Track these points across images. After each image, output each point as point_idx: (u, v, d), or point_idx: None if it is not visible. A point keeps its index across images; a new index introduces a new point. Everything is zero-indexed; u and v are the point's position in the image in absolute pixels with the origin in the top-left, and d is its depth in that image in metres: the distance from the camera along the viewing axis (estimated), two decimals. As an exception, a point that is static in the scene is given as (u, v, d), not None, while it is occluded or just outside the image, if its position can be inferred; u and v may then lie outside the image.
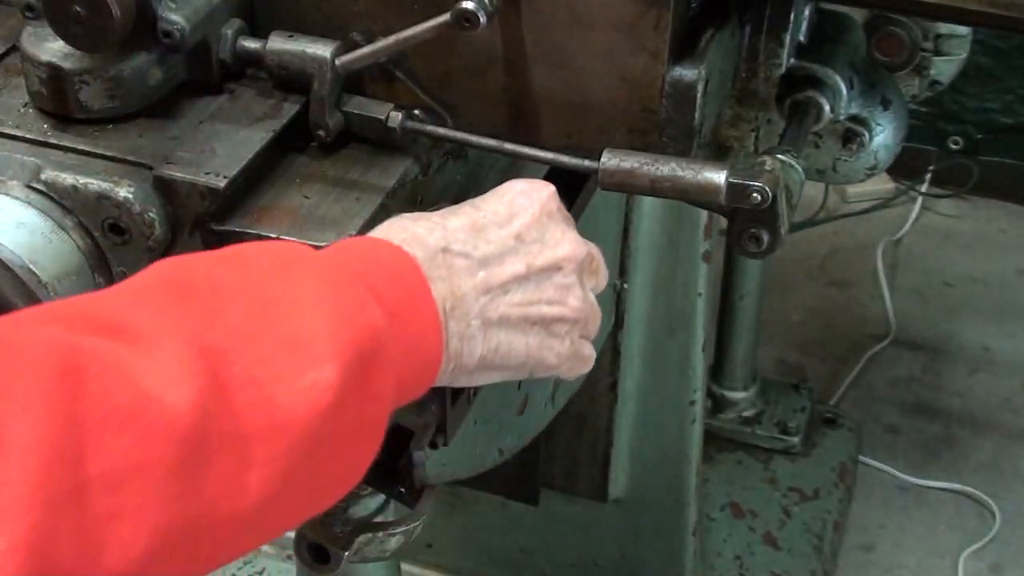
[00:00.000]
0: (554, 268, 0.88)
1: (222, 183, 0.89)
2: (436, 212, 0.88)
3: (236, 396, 0.69)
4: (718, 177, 0.91)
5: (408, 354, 0.79)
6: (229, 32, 0.98)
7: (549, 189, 0.91)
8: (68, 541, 0.61)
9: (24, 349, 0.64)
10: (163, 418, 0.65)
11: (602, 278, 0.94)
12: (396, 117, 0.97)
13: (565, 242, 0.89)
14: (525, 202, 0.89)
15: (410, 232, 0.84)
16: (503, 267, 0.86)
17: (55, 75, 0.93)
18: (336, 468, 0.76)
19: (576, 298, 0.89)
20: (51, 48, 0.93)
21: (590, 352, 0.94)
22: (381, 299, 0.78)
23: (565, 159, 0.95)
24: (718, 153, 1.22)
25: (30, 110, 0.96)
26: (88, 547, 0.63)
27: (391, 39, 0.95)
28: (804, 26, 1.17)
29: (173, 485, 0.65)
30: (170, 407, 0.65)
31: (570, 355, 0.90)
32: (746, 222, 0.96)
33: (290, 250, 0.79)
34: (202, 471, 0.66)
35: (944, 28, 1.36)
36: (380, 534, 0.99)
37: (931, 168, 2.82)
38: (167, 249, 0.91)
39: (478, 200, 0.89)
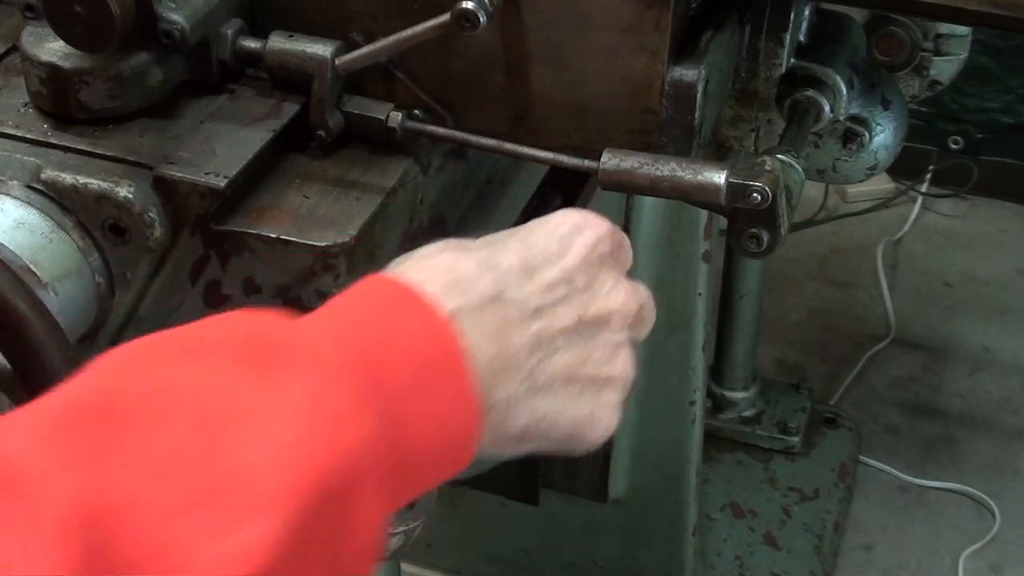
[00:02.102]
0: (604, 322, 0.75)
1: (222, 183, 0.89)
2: (481, 244, 0.74)
3: (129, 572, 0.55)
4: (718, 177, 0.91)
5: (419, 456, 0.65)
6: (229, 32, 0.98)
7: (604, 227, 0.77)
8: None
9: None
10: None
11: (648, 326, 0.81)
12: (396, 117, 0.97)
13: (618, 290, 0.76)
14: (578, 240, 0.76)
15: (453, 275, 0.71)
16: (556, 318, 0.73)
17: (55, 75, 0.93)
18: None
19: (625, 359, 0.77)
20: (51, 48, 0.93)
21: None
22: (382, 392, 0.64)
23: (565, 159, 0.95)
24: (718, 153, 1.22)
25: (30, 110, 0.96)
26: None
27: (391, 39, 0.95)
28: (804, 26, 1.17)
29: None
30: None
31: (613, 427, 0.77)
32: (746, 222, 0.96)
33: (269, 334, 0.63)
34: None
35: (944, 28, 1.36)
36: (380, 534, 0.99)
37: (931, 168, 2.82)
38: (167, 249, 0.91)
39: (525, 232, 0.76)
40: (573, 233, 0.76)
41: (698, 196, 0.93)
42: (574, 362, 0.74)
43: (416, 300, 0.69)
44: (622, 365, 0.77)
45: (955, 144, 2.81)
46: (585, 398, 0.75)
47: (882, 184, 2.81)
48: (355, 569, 0.64)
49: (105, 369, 0.61)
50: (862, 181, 1.32)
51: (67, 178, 0.89)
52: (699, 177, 0.92)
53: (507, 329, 0.71)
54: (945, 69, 1.39)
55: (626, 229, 1.55)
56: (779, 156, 1.06)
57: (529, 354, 0.71)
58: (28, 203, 0.89)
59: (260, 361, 0.61)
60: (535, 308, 0.72)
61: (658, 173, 0.92)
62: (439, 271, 0.71)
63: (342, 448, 0.60)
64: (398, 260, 0.74)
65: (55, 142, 0.93)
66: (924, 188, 2.84)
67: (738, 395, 2.22)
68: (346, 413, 0.61)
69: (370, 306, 0.69)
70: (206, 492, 0.57)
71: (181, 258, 0.92)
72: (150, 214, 0.89)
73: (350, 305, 0.69)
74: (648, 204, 1.56)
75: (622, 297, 0.76)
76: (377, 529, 0.64)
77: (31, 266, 0.87)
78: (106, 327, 0.94)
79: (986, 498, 2.21)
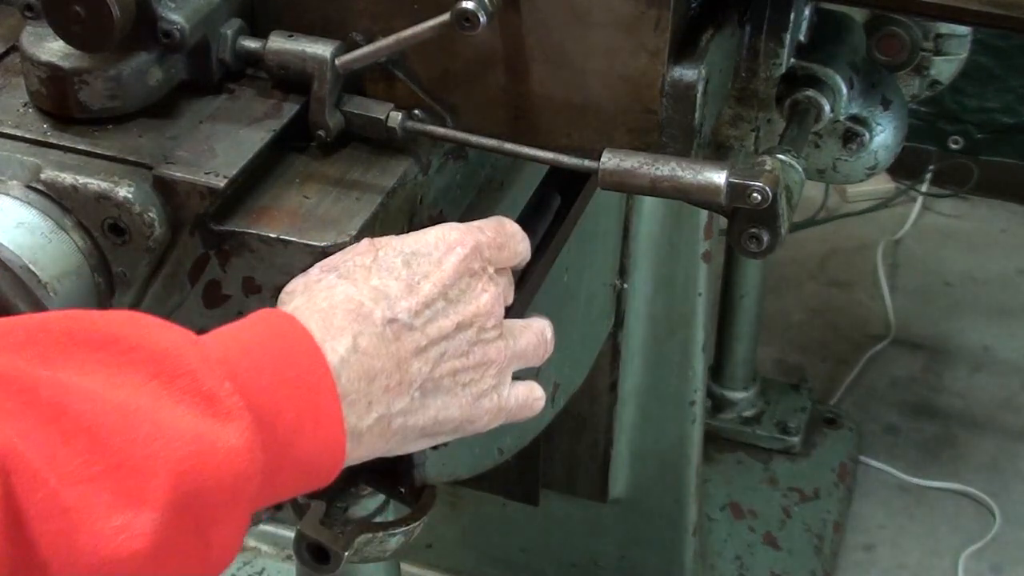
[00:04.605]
0: (475, 322, 0.87)
1: (222, 183, 0.89)
2: (365, 269, 0.85)
3: (33, 524, 0.64)
4: (718, 177, 0.91)
5: (288, 466, 0.76)
6: (229, 32, 0.98)
7: (473, 242, 0.88)
8: None
9: None
10: None
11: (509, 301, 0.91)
12: (396, 117, 0.97)
13: (485, 294, 0.88)
14: (452, 258, 0.87)
15: (355, 303, 0.82)
16: (438, 329, 0.85)
17: (55, 75, 0.93)
18: None
19: (496, 345, 0.88)
20: (51, 48, 0.93)
21: (525, 396, 0.92)
22: (262, 412, 0.73)
23: (565, 159, 0.95)
24: (718, 153, 1.22)
25: (30, 110, 0.96)
26: None
27: (391, 39, 0.95)
28: (804, 26, 1.17)
29: None
30: None
31: (498, 410, 0.89)
32: (746, 222, 0.96)
33: (175, 353, 0.72)
34: None
35: (944, 28, 1.36)
36: (380, 534, 0.99)
37: (931, 168, 2.82)
38: (167, 249, 0.91)
39: (408, 253, 0.86)
40: (447, 252, 0.87)
41: (698, 196, 0.93)
42: (457, 362, 0.86)
43: (301, 333, 0.79)
44: (495, 351, 0.88)
45: (955, 144, 2.81)
46: (468, 388, 0.87)
47: (882, 184, 2.81)
48: (221, 558, 0.73)
49: (32, 339, 0.70)
50: (862, 181, 1.32)
51: (67, 178, 0.89)
52: (699, 177, 0.92)
53: (403, 349, 0.83)
54: (945, 69, 1.39)
55: (626, 229, 1.55)
56: (779, 156, 1.06)
57: (421, 367, 0.84)
58: (28, 203, 0.89)
59: (166, 375, 0.71)
60: (422, 325, 0.84)
61: (658, 173, 0.92)
62: (340, 301, 0.82)
63: (219, 458, 0.70)
64: (295, 286, 0.85)
65: (55, 142, 0.93)
66: (924, 188, 2.84)
67: (738, 395, 2.22)
68: (226, 427, 0.71)
69: (261, 336, 0.79)
70: (106, 470, 0.66)
71: (181, 258, 0.92)
72: (150, 214, 0.89)
73: (243, 333, 0.78)
74: (648, 204, 1.56)
75: (488, 299, 0.88)
76: (242, 527, 0.74)
77: (31, 266, 0.87)
78: (106, 327, 0.94)
79: (986, 498, 2.21)
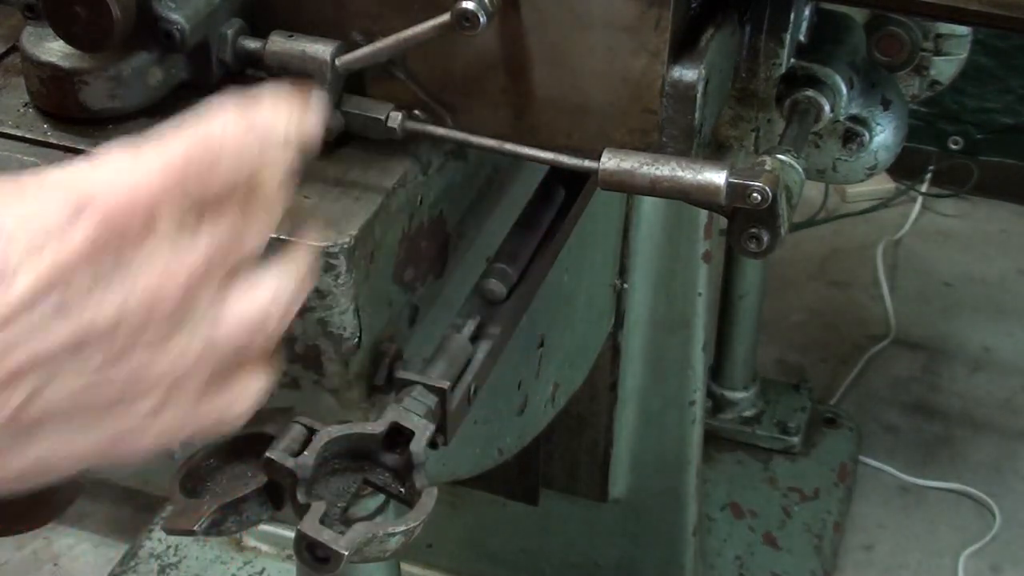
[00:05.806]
0: (116, 327, 0.57)
1: (222, 183, 0.89)
2: None
3: None
4: (718, 177, 0.91)
5: None
6: (229, 32, 0.98)
7: (108, 204, 0.56)
8: None
9: None
10: None
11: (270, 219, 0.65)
12: (396, 117, 0.97)
13: (145, 273, 0.57)
14: (82, 223, 0.56)
15: None
16: (41, 343, 0.55)
17: (55, 75, 0.93)
18: None
19: (168, 357, 0.59)
20: (51, 48, 0.93)
21: (220, 409, 0.63)
22: None
23: (565, 159, 0.95)
24: (718, 153, 1.22)
25: (30, 110, 0.96)
26: None
27: (391, 39, 0.95)
28: (804, 26, 1.17)
29: None
30: None
31: (168, 433, 0.61)
32: (746, 222, 0.96)
33: None
34: None
35: (944, 28, 1.36)
36: (380, 534, 0.99)
37: (931, 168, 2.82)
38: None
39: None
40: (74, 214, 0.55)
41: (698, 196, 0.93)
42: (80, 388, 0.57)
43: None
44: (163, 361, 0.59)
45: (955, 144, 2.81)
46: (106, 423, 0.59)
47: (882, 184, 2.81)
48: None
49: None
50: (862, 181, 1.32)
51: (67, 178, 0.89)
52: (699, 177, 0.92)
53: None
54: (945, 69, 1.39)
55: (626, 229, 1.55)
56: (779, 156, 1.06)
57: (5, 398, 0.55)
58: (28, 203, 0.89)
59: None
60: (10, 341, 0.54)
61: (658, 173, 0.92)
62: None
63: None
64: None
65: (55, 142, 0.93)
66: (924, 188, 2.85)
67: (738, 395, 2.22)
68: None
69: None
70: None
71: (181, 258, 0.92)
72: (150, 214, 0.89)
73: None
74: (648, 204, 1.56)
75: (153, 279, 0.57)
76: None
77: (31, 266, 0.86)
78: (106, 327, 0.94)
79: (986, 498, 2.21)
